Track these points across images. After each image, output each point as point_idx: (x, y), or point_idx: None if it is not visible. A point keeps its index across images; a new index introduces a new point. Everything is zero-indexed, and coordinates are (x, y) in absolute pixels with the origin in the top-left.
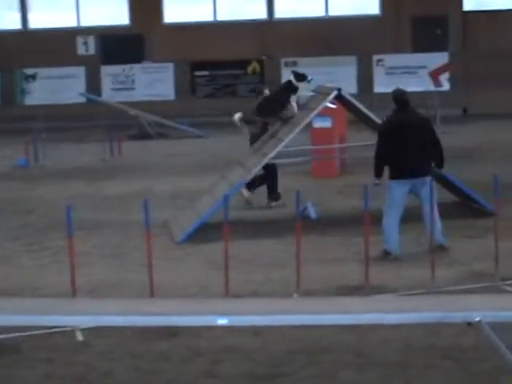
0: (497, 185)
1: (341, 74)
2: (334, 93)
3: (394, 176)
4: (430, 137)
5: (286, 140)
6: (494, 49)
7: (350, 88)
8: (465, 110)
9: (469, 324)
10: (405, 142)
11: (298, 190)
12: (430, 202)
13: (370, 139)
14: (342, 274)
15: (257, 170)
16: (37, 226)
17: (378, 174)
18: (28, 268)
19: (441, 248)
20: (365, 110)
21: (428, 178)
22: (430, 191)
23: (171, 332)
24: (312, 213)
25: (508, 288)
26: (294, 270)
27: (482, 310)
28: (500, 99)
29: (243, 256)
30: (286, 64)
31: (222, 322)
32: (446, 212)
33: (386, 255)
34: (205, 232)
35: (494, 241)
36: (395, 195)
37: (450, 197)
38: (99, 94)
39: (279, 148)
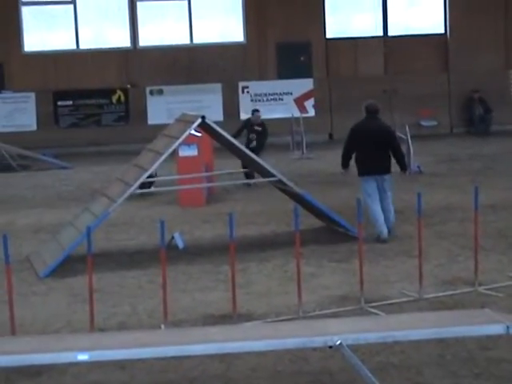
0: (360, 209)
1: (207, 102)
2: (198, 121)
3: (361, 173)
4: (390, 142)
5: (150, 170)
6: (355, 75)
7: (216, 115)
8: (330, 136)
9: (330, 347)
10: (368, 144)
11: (163, 219)
12: (387, 193)
13: (237, 167)
14: (209, 303)
15: (121, 200)
16: None
17: (344, 165)
18: None
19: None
20: (229, 137)
21: (387, 176)
22: (387, 185)
23: (34, 371)
24: (179, 242)
25: (372, 310)
26: (161, 300)
27: (343, 333)
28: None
29: (109, 288)
30: (152, 92)
31: (83, 357)
32: (312, 237)
33: (378, 239)
34: (69, 265)
35: (358, 265)
36: (367, 188)
37: (315, 222)
38: None
39: (142, 178)
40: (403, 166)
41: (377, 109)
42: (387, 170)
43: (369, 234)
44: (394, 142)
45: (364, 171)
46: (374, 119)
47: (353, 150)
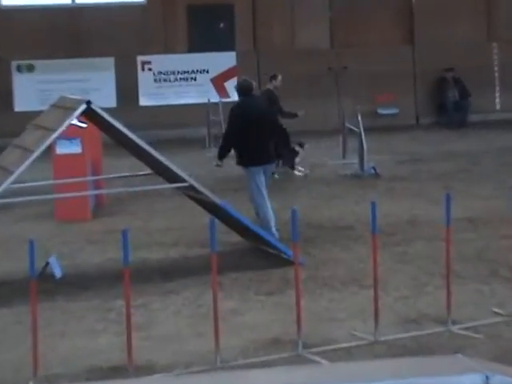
0: (296, 223)
1: (94, 82)
2: (82, 107)
3: (249, 163)
4: (275, 125)
5: (17, 172)
6: (291, 47)
7: (107, 100)
8: None
9: None
10: (253, 128)
11: (33, 239)
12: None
13: (134, 168)
14: (96, 352)
15: None
16: None
17: (223, 156)
18: None
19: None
20: (124, 130)
21: (272, 165)
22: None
23: None
24: (56, 270)
25: (313, 357)
26: (31, 348)
27: None
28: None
29: None
30: (19, 68)
31: None
32: (233, 262)
33: None
34: None
35: (295, 297)
36: (257, 179)
37: (238, 241)
38: None
39: (7, 184)
40: (287, 156)
41: (251, 86)
42: (274, 158)
43: (308, 257)
44: (278, 123)
45: (253, 161)
46: (253, 98)
47: (236, 136)
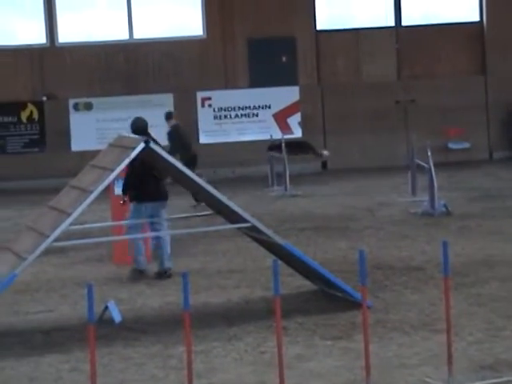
0: (363, 266)
1: (152, 120)
2: (140, 146)
3: (135, 199)
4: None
5: (74, 214)
6: (356, 81)
7: (165, 138)
8: (323, 165)
9: None
10: (144, 167)
11: (91, 283)
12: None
13: (195, 208)
14: None
15: (34, 257)
16: None
17: (126, 192)
18: None
19: (164, 273)
20: (183, 169)
21: (164, 202)
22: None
23: None
24: (115, 315)
25: None
26: None
27: None
28: (365, 149)
29: (15, 382)
30: (77, 107)
31: None
32: (298, 306)
33: (139, 273)
34: None
35: (363, 342)
36: (138, 215)
37: (303, 284)
38: None
39: (64, 226)
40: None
41: (145, 126)
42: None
43: (377, 300)
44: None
45: (141, 197)
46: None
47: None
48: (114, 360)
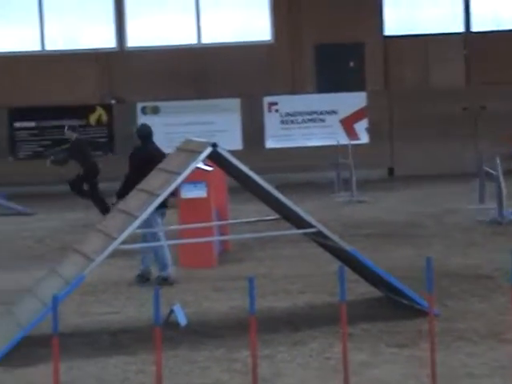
0: (430, 273)
1: (220, 124)
2: (208, 150)
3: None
4: None
5: (142, 217)
6: (424, 87)
7: (232, 142)
8: (390, 171)
9: None
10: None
11: (158, 286)
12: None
13: (260, 213)
14: None
15: (101, 258)
16: None
17: (122, 196)
18: None
19: (165, 280)
20: (251, 174)
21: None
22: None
23: None
24: (181, 318)
25: None
26: None
27: None
28: (432, 156)
29: (82, 382)
30: (144, 111)
31: None
32: (364, 312)
33: (165, 281)
34: (28, 349)
35: (429, 351)
36: (155, 221)
37: (369, 290)
38: None
39: (132, 228)
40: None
41: (150, 133)
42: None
43: (443, 308)
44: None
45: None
46: (152, 145)
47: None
48: (180, 363)
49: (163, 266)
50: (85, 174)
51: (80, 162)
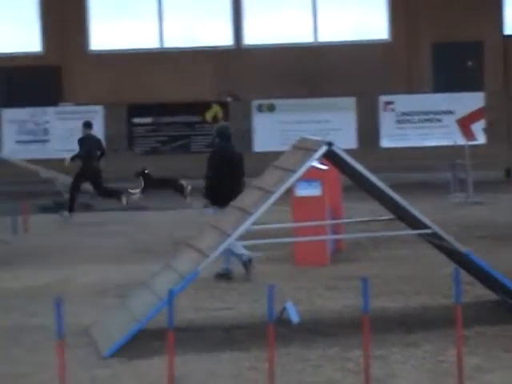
0: None
1: (335, 123)
2: (323, 148)
3: (216, 203)
4: (242, 170)
5: (256, 213)
6: None
7: (347, 141)
8: (508, 172)
9: None
10: (228, 172)
11: (272, 283)
12: None
13: (375, 213)
14: None
15: (215, 254)
16: None
17: (214, 202)
18: None
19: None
20: (366, 173)
21: None
22: None
23: None
24: (293, 315)
25: None
26: None
27: None
28: None
29: (196, 376)
30: (260, 108)
31: None
32: (479, 315)
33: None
34: (142, 343)
35: None
36: None
37: (484, 293)
38: None
39: (246, 225)
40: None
41: (231, 133)
42: None
43: None
44: (244, 168)
45: (220, 201)
46: (230, 145)
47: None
48: (292, 360)
49: (239, 256)
50: (81, 172)
51: (82, 158)
